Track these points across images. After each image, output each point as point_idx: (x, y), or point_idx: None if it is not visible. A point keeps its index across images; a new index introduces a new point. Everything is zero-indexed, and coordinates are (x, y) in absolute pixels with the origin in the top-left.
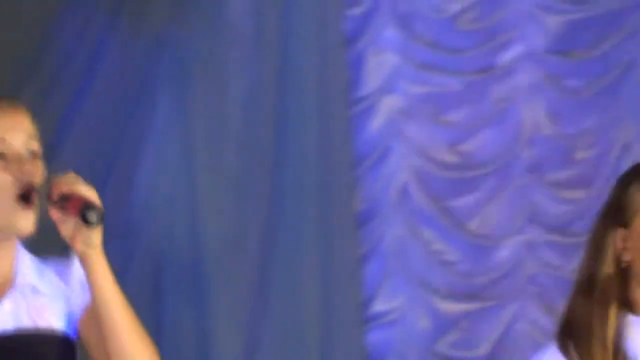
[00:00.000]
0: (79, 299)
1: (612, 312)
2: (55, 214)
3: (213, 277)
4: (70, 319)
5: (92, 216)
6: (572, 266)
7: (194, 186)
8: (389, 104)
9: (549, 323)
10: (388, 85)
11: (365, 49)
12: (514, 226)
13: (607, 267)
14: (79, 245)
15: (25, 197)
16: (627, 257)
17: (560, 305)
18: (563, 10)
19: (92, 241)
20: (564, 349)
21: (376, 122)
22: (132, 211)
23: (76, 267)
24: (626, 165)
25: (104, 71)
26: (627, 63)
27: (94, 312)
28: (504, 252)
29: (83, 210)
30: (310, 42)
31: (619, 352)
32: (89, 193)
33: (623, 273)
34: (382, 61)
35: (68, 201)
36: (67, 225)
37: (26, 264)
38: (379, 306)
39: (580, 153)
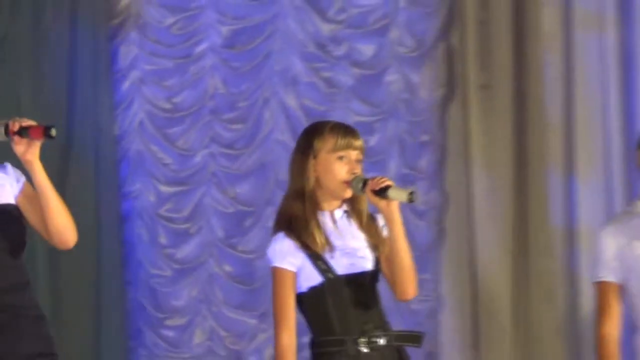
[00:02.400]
0: (16, 187)
1: (314, 209)
2: (16, 140)
3: None
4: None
5: (54, 131)
6: (235, 167)
7: None
8: (133, 75)
9: (222, 199)
10: (131, 64)
11: (120, 43)
12: (202, 144)
13: (309, 184)
14: (29, 157)
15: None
16: (315, 175)
17: (230, 190)
18: (231, 23)
19: (36, 153)
20: (289, 234)
21: (126, 84)
22: None
23: (10, 169)
24: (268, 112)
25: None
26: (266, 54)
27: (28, 197)
28: (198, 159)
29: (46, 131)
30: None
31: (320, 231)
32: (28, 120)
33: (316, 186)
34: (129, 51)
35: (28, 130)
36: (20, 146)
37: None
38: (128, 187)
39: (239, 104)
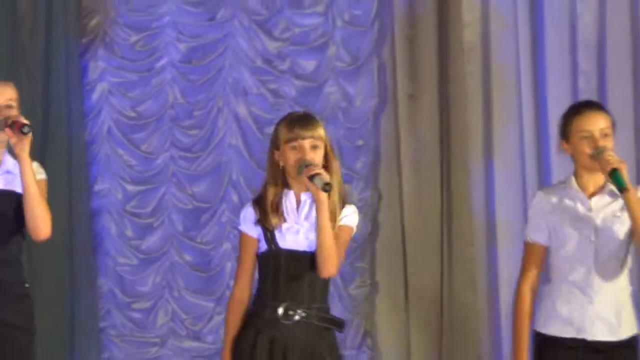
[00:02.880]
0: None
1: (279, 190)
2: (9, 132)
3: None
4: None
5: (27, 129)
6: (193, 168)
7: None
8: (101, 87)
9: (182, 197)
10: (99, 77)
11: (89, 59)
12: (163, 147)
13: (274, 168)
14: (17, 150)
15: (12, 124)
16: (282, 164)
17: (188, 189)
18: (188, 41)
19: (25, 147)
20: (254, 206)
21: (95, 95)
22: None
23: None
24: (222, 119)
25: None
26: (219, 68)
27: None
28: (160, 161)
29: (21, 128)
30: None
31: (274, 209)
32: (24, 119)
33: (283, 171)
34: (97, 66)
35: (15, 124)
36: (12, 139)
37: (7, 159)
38: (98, 187)
39: (196, 112)
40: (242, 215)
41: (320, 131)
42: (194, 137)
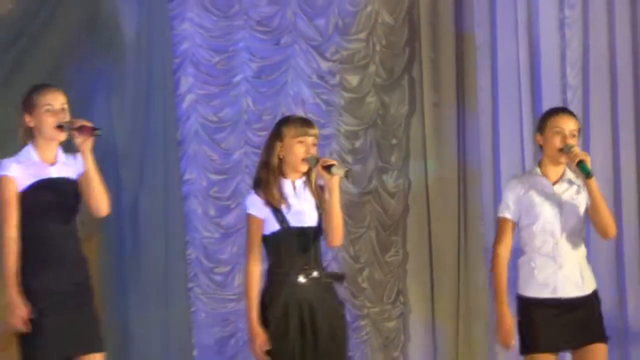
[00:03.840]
0: (79, 169)
1: (277, 177)
2: (76, 134)
3: None
4: (77, 176)
5: (99, 132)
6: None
7: None
8: (189, 98)
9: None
10: (188, 90)
11: (180, 75)
12: (239, 145)
13: (274, 160)
14: (83, 147)
15: (59, 127)
16: (282, 155)
17: None
18: (258, 61)
19: (89, 145)
20: (258, 193)
21: (185, 104)
22: None
23: (78, 158)
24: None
25: None
26: (283, 82)
27: (85, 178)
28: (235, 156)
29: (93, 130)
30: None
31: (279, 192)
32: (88, 122)
33: (281, 161)
34: (187, 81)
35: (83, 128)
36: (78, 139)
37: (60, 153)
38: (187, 176)
39: (264, 117)
40: (248, 202)
41: (318, 132)
42: (263, 137)
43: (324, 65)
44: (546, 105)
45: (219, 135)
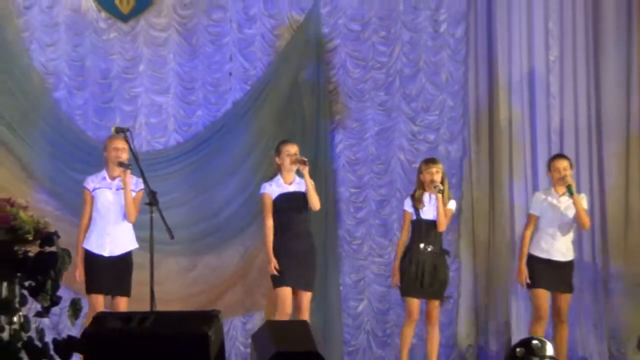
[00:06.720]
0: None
1: (420, 192)
2: (118, 169)
3: None
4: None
5: (129, 167)
6: (385, 179)
7: None
8: (341, 144)
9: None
10: (340, 143)
11: (334, 131)
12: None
13: (277, 166)
14: (123, 177)
15: (120, 164)
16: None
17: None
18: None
19: (126, 179)
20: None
21: (338, 149)
22: None
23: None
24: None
25: None
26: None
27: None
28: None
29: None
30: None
31: (421, 200)
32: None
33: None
34: (340, 139)
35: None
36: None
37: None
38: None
39: (382, 160)
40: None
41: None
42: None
43: None
44: (540, 142)
45: (356, 168)
